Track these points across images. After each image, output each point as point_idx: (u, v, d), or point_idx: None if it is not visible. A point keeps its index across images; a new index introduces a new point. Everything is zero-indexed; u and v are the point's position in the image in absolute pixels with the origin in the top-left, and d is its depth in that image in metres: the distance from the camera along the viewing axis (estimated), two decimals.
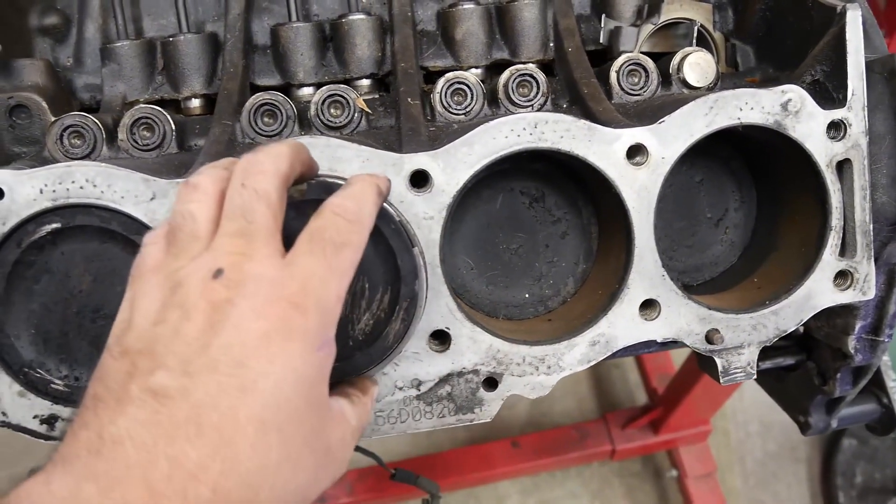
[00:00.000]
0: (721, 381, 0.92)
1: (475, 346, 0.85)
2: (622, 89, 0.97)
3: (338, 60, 1.05)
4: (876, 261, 0.93)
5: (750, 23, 1.08)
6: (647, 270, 0.87)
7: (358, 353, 0.78)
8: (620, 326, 0.87)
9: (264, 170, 0.67)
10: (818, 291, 0.91)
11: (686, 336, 0.89)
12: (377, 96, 1.04)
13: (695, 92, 0.96)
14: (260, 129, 0.92)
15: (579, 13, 1.10)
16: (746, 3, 1.08)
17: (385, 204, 0.75)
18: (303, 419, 0.62)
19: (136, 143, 0.92)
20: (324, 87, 0.93)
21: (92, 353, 0.81)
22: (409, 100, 0.94)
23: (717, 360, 0.91)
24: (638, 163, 0.85)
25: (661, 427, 2.55)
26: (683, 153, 0.86)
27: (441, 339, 0.85)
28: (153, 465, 0.55)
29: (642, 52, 1.02)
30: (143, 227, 0.78)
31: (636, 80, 0.98)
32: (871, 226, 0.90)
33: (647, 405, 2.68)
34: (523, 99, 0.95)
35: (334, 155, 0.80)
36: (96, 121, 0.90)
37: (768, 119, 0.87)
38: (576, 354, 0.87)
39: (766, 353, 0.94)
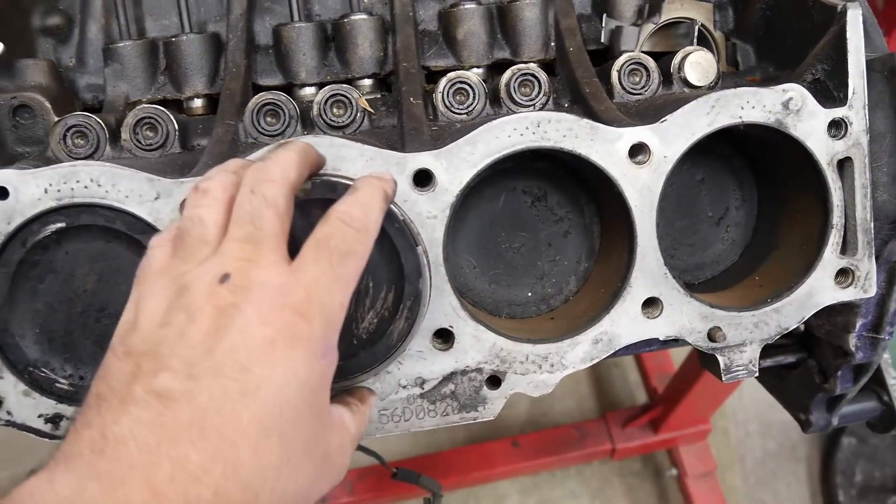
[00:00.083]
0: (723, 378, 0.92)
1: (478, 344, 0.85)
2: (623, 88, 0.98)
3: (340, 60, 1.05)
4: (877, 258, 0.93)
5: (750, 22, 1.08)
6: (649, 269, 0.87)
7: (362, 351, 0.79)
8: (623, 324, 0.88)
9: (273, 178, 0.68)
10: (819, 289, 0.91)
11: (688, 334, 0.90)
12: (379, 96, 1.05)
13: (696, 91, 0.97)
14: (263, 128, 0.92)
15: (580, 13, 1.11)
16: (747, 3, 1.08)
17: None
18: (304, 425, 0.63)
19: (140, 142, 0.92)
20: (326, 87, 0.93)
21: (96, 352, 0.81)
22: (412, 99, 0.94)
23: (720, 358, 0.92)
24: (640, 161, 0.86)
25: (661, 426, 2.56)
26: (685, 152, 0.86)
27: (444, 337, 0.85)
28: (156, 466, 0.56)
29: (643, 52, 1.02)
30: (147, 227, 0.78)
31: (637, 79, 0.98)
32: (872, 224, 0.91)
33: (646, 404, 2.68)
34: (525, 98, 0.95)
35: (338, 154, 0.80)
36: (99, 121, 0.91)
37: (769, 118, 0.87)
38: (578, 353, 0.87)
39: (767, 351, 0.94)
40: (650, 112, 0.91)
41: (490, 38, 1.06)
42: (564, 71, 1.03)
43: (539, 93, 0.95)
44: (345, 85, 0.93)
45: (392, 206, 0.77)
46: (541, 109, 0.95)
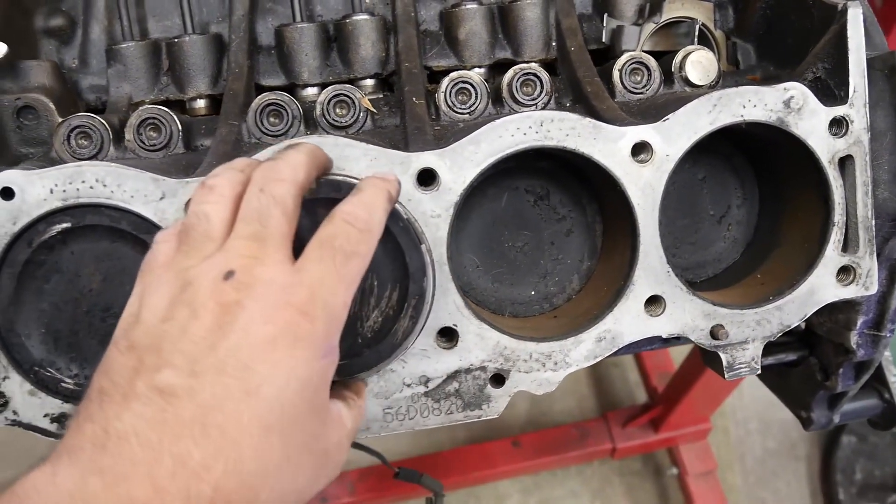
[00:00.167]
0: (726, 375, 0.92)
1: (482, 342, 0.86)
2: (625, 88, 0.98)
3: (342, 60, 1.05)
4: (878, 256, 0.94)
5: (751, 21, 1.09)
6: (651, 267, 0.88)
7: (367, 350, 0.79)
8: (626, 323, 0.88)
9: (283, 178, 0.68)
10: (821, 287, 0.92)
11: (691, 332, 0.90)
12: (381, 96, 1.05)
13: (697, 90, 0.97)
14: (266, 128, 0.92)
15: (581, 12, 1.11)
16: (747, 2, 1.09)
17: None
18: (304, 423, 0.63)
19: (143, 143, 0.92)
20: (329, 87, 0.93)
21: (101, 351, 0.79)
22: (414, 99, 0.94)
23: (722, 356, 0.92)
24: (643, 160, 0.86)
25: (662, 425, 2.56)
26: (687, 150, 0.87)
27: (449, 336, 0.86)
28: (158, 463, 0.56)
29: (644, 51, 1.03)
30: (152, 227, 0.78)
31: (639, 78, 0.98)
32: (873, 221, 0.91)
33: (647, 404, 2.69)
34: (527, 98, 0.95)
35: (342, 154, 0.80)
36: (103, 121, 0.91)
37: (771, 116, 0.88)
38: (582, 351, 0.88)
39: (768, 349, 0.94)
40: (652, 111, 0.91)
41: (491, 37, 1.07)
42: (566, 70, 1.04)
43: (541, 92, 0.95)
44: (348, 85, 0.94)
45: (397, 204, 0.77)
46: (543, 109, 0.95)
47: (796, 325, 0.93)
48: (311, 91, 1.05)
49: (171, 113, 0.93)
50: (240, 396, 0.59)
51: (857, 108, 0.89)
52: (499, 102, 0.96)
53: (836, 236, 0.91)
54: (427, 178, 0.83)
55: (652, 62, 0.98)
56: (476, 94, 0.95)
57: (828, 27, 0.93)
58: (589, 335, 0.88)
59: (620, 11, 1.09)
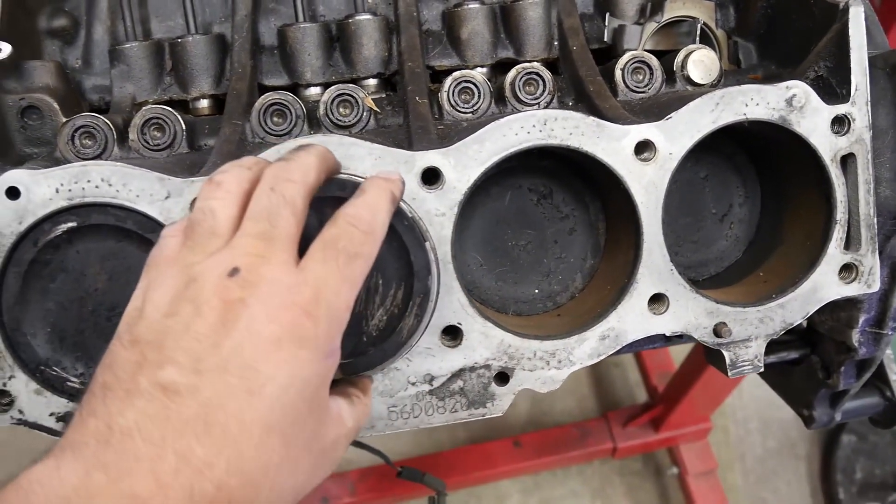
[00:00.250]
0: (729, 373, 0.93)
1: (487, 341, 0.86)
2: (627, 87, 0.98)
3: (345, 60, 1.06)
4: (880, 254, 0.94)
5: (752, 20, 1.09)
6: (655, 265, 0.88)
7: (372, 348, 0.79)
8: (630, 321, 0.88)
9: (294, 179, 0.68)
10: (824, 284, 0.92)
11: (694, 330, 0.90)
12: (384, 95, 1.05)
13: (699, 89, 0.97)
14: (270, 128, 0.93)
15: (583, 12, 1.11)
16: (748, 1, 1.09)
17: None
18: (304, 423, 0.64)
19: (147, 143, 0.93)
20: (333, 87, 0.93)
21: None
22: (418, 98, 0.95)
23: (725, 354, 0.92)
24: (646, 159, 0.86)
25: (662, 425, 2.56)
26: (690, 149, 0.87)
27: (453, 334, 0.86)
28: (161, 459, 0.56)
29: (646, 50, 1.03)
30: (158, 226, 0.79)
31: (641, 77, 0.99)
32: (875, 219, 0.92)
33: (647, 403, 2.69)
34: (530, 97, 0.96)
35: (347, 153, 0.81)
36: (107, 121, 0.91)
37: (773, 115, 0.88)
38: (586, 349, 0.88)
39: (770, 347, 0.95)
40: (654, 110, 0.92)
41: (494, 37, 1.07)
42: (568, 70, 1.04)
43: (544, 91, 0.96)
44: (351, 84, 0.94)
45: (401, 203, 0.77)
46: (545, 108, 0.96)
47: (799, 322, 0.93)
48: (313, 91, 1.05)
49: (175, 113, 0.93)
50: (242, 396, 0.59)
51: (858, 107, 0.90)
52: (501, 102, 0.96)
53: (838, 234, 0.91)
54: (431, 176, 0.83)
55: (654, 61, 0.98)
56: (479, 93, 0.95)
57: (829, 26, 0.93)
58: (593, 333, 0.88)
59: (622, 11, 1.09)
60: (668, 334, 0.90)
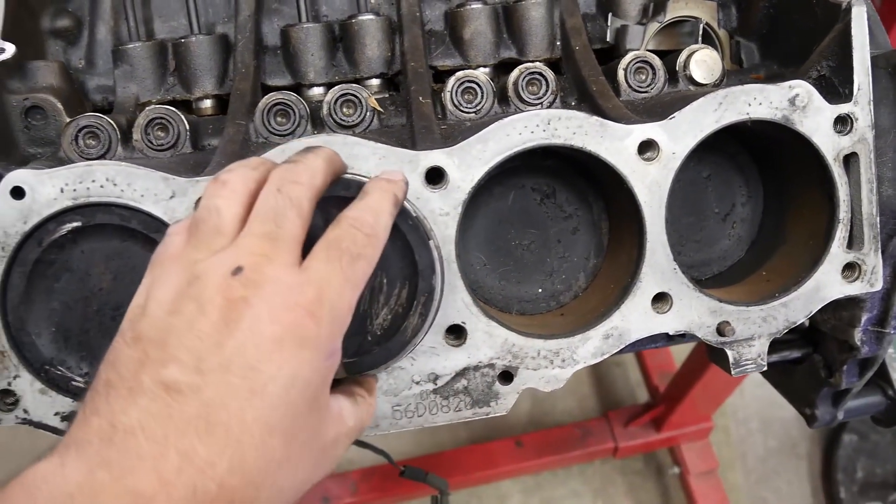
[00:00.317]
0: (732, 372, 0.93)
1: (491, 340, 0.86)
2: (630, 87, 0.98)
3: (348, 60, 1.06)
4: (882, 253, 0.94)
5: (754, 20, 1.09)
6: (658, 264, 0.88)
7: (376, 347, 0.79)
8: (633, 320, 0.89)
9: (301, 181, 0.69)
10: (827, 283, 0.92)
11: (697, 329, 0.90)
12: (387, 95, 1.05)
13: (702, 89, 0.98)
14: (273, 128, 0.93)
15: (585, 12, 1.12)
16: (750, 1, 1.09)
17: None
18: (305, 423, 0.64)
19: (151, 143, 0.93)
20: (336, 87, 0.93)
21: None
22: (421, 98, 0.95)
23: (728, 352, 0.93)
24: (649, 158, 0.87)
25: (663, 424, 2.57)
26: (693, 148, 0.87)
27: (457, 333, 0.86)
28: (164, 458, 0.57)
29: (648, 50, 1.03)
30: (162, 226, 0.79)
31: (643, 77, 0.99)
32: (878, 218, 0.92)
33: (648, 403, 2.69)
34: (533, 97, 0.96)
35: (351, 153, 0.81)
36: (111, 121, 0.91)
37: (776, 114, 0.88)
38: (589, 348, 0.88)
39: (773, 346, 0.95)
40: (657, 109, 0.92)
41: (496, 37, 1.07)
42: (571, 70, 1.04)
43: (546, 91, 0.96)
44: (354, 84, 0.94)
45: (406, 202, 0.78)
46: (549, 108, 0.96)
47: (802, 321, 0.93)
48: (317, 91, 1.06)
49: (179, 113, 0.93)
50: (244, 395, 0.59)
51: (861, 106, 0.90)
52: (504, 101, 0.96)
53: (841, 233, 0.92)
54: (435, 176, 0.83)
55: (656, 61, 0.98)
56: (482, 93, 0.95)
57: (831, 26, 0.93)
58: (596, 332, 0.88)
59: (625, 11, 1.10)
60: (671, 333, 0.90)
